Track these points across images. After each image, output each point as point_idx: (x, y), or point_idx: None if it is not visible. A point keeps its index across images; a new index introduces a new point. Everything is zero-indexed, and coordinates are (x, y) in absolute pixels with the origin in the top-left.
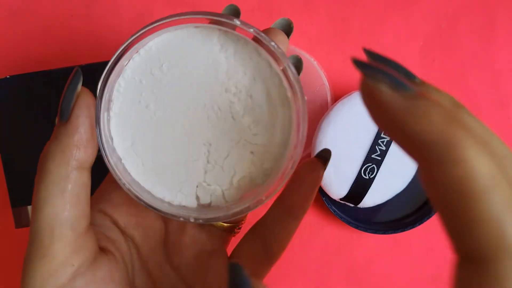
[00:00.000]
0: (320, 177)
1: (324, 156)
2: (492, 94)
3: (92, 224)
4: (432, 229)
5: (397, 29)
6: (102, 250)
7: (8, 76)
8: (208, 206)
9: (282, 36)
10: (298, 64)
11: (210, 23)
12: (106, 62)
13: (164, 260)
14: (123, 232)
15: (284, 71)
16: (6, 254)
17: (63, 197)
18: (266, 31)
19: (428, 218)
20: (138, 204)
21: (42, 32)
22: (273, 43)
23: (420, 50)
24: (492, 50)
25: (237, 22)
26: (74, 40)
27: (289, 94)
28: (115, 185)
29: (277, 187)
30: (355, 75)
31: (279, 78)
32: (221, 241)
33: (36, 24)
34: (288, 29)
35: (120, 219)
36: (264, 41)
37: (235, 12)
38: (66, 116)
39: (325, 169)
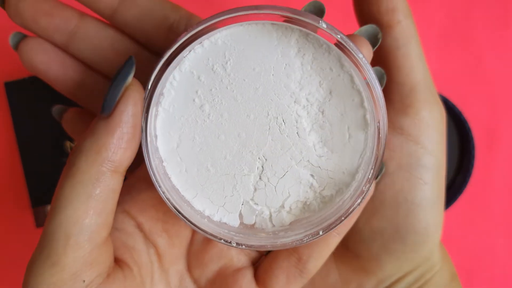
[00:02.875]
0: (365, 201)
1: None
2: (509, 81)
3: (113, 228)
4: (452, 220)
5: None
6: (119, 263)
7: (27, 77)
8: (251, 227)
9: (367, 48)
10: (381, 79)
11: (285, 21)
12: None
13: (185, 270)
14: (146, 237)
15: (368, 88)
16: (27, 253)
17: (88, 201)
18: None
19: (448, 208)
20: (168, 209)
21: None
22: (361, 55)
23: (436, 41)
24: (507, 39)
25: (323, 24)
26: None
27: (368, 116)
28: (146, 184)
29: (337, 223)
30: None
31: (360, 97)
32: (249, 260)
33: None
34: (374, 40)
35: (146, 223)
36: (351, 51)
37: (318, 11)
38: (109, 109)
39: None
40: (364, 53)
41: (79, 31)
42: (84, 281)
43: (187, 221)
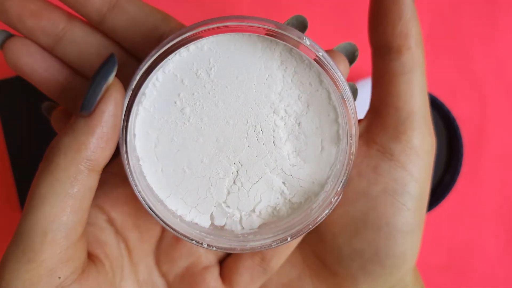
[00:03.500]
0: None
1: None
2: (497, 80)
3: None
4: (440, 218)
5: None
6: (91, 257)
7: (15, 76)
8: (221, 228)
9: (344, 64)
10: (354, 94)
11: (268, 35)
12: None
13: (154, 264)
14: (117, 232)
15: (344, 104)
16: None
17: (66, 199)
18: (329, 54)
19: (436, 206)
20: (140, 205)
21: None
22: (339, 74)
23: (424, 40)
24: (495, 35)
25: (306, 41)
26: None
27: (341, 132)
28: (119, 180)
29: (305, 230)
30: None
31: (335, 113)
32: (217, 258)
33: None
34: (352, 57)
35: (117, 218)
36: (330, 68)
37: (301, 25)
38: (89, 108)
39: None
40: (341, 69)
41: (66, 34)
42: (59, 277)
43: (161, 221)
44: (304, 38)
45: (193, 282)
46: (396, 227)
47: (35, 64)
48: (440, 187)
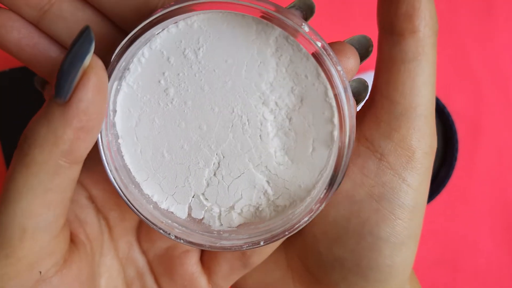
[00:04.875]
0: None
1: None
2: (492, 75)
3: None
4: (435, 212)
5: None
6: (73, 239)
7: (8, 69)
8: (199, 222)
9: (354, 60)
10: (361, 91)
11: (263, 17)
12: None
13: (135, 241)
14: (98, 210)
15: (339, 105)
16: None
17: (45, 195)
18: (337, 46)
19: (431, 200)
20: None
21: None
22: (340, 68)
23: None
24: (491, 31)
25: (305, 27)
26: None
27: (336, 133)
28: None
29: (280, 236)
30: None
31: (331, 111)
32: None
33: None
34: (364, 53)
35: (98, 196)
36: (330, 61)
37: (308, 9)
38: (64, 96)
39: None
40: (350, 63)
41: (52, 8)
42: (40, 272)
43: (129, 204)
44: (303, 24)
45: (171, 264)
46: (381, 237)
47: (22, 40)
48: (435, 182)
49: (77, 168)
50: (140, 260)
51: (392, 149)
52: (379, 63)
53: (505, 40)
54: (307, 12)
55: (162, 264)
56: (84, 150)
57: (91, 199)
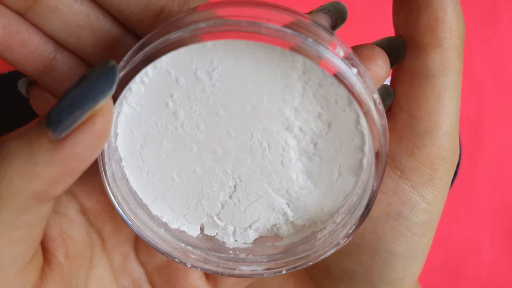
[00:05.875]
0: None
1: None
2: (495, 79)
3: (53, 211)
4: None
5: None
6: (48, 263)
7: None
8: (212, 238)
9: (385, 66)
10: (385, 98)
11: (292, 49)
12: None
13: (132, 250)
14: (90, 223)
15: (370, 128)
16: None
17: (10, 233)
18: (366, 51)
19: None
20: None
21: None
22: (376, 97)
23: None
24: (494, 34)
25: (340, 52)
26: None
27: (365, 162)
28: (97, 165)
29: (303, 265)
30: None
31: (362, 140)
32: None
33: None
34: (396, 57)
35: (92, 208)
36: (366, 91)
37: (339, 13)
38: (60, 131)
39: None
40: (380, 71)
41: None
42: None
43: (143, 236)
44: (327, 52)
45: (174, 278)
46: (396, 254)
47: (10, 40)
48: None
49: (49, 205)
50: (137, 271)
51: (414, 167)
52: (398, 73)
53: (508, 44)
54: (337, 18)
55: (163, 276)
56: (60, 191)
57: (83, 212)
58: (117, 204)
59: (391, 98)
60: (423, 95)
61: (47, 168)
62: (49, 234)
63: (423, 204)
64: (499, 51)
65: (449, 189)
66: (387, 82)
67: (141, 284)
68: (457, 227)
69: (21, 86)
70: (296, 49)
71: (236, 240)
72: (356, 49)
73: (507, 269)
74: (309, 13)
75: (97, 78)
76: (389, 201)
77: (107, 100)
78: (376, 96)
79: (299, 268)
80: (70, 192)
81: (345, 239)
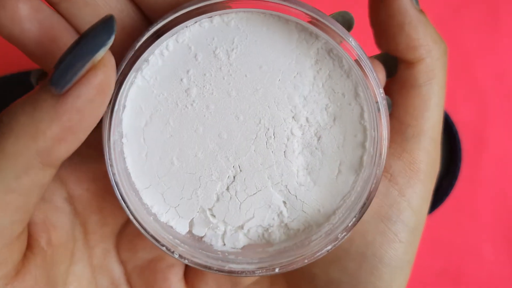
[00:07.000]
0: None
1: None
2: (497, 85)
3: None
4: (439, 222)
5: None
6: (31, 245)
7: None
8: (199, 240)
9: (381, 76)
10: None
11: (310, 22)
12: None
13: (113, 248)
14: (76, 213)
15: (376, 128)
16: None
17: (5, 196)
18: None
19: (434, 210)
20: (108, 183)
21: None
22: (381, 91)
23: None
24: (496, 42)
25: (351, 41)
26: None
27: (365, 159)
28: (93, 151)
29: (299, 264)
30: None
31: (364, 135)
32: None
33: None
34: (391, 70)
35: (80, 197)
36: (372, 79)
37: (346, 24)
38: (61, 86)
39: None
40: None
41: None
42: None
43: (132, 217)
44: (350, 37)
45: (153, 279)
46: (383, 260)
47: (43, 35)
48: (439, 192)
49: (50, 173)
50: (117, 270)
51: (402, 169)
52: (389, 83)
53: (510, 49)
54: (344, 27)
55: (142, 276)
56: (64, 153)
57: (70, 200)
58: (112, 175)
59: (390, 109)
60: (411, 102)
61: (51, 122)
62: (33, 219)
63: (409, 209)
64: (501, 56)
65: (450, 193)
66: None
67: (120, 284)
68: (458, 231)
69: (33, 77)
70: (320, 26)
71: (225, 244)
72: None
73: (509, 274)
74: None
75: (95, 30)
76: (379, 203)
77: (105, 50)
78: (382, 91)
79: (295, 267)
80: (59, 177)
81: (344, 233)
